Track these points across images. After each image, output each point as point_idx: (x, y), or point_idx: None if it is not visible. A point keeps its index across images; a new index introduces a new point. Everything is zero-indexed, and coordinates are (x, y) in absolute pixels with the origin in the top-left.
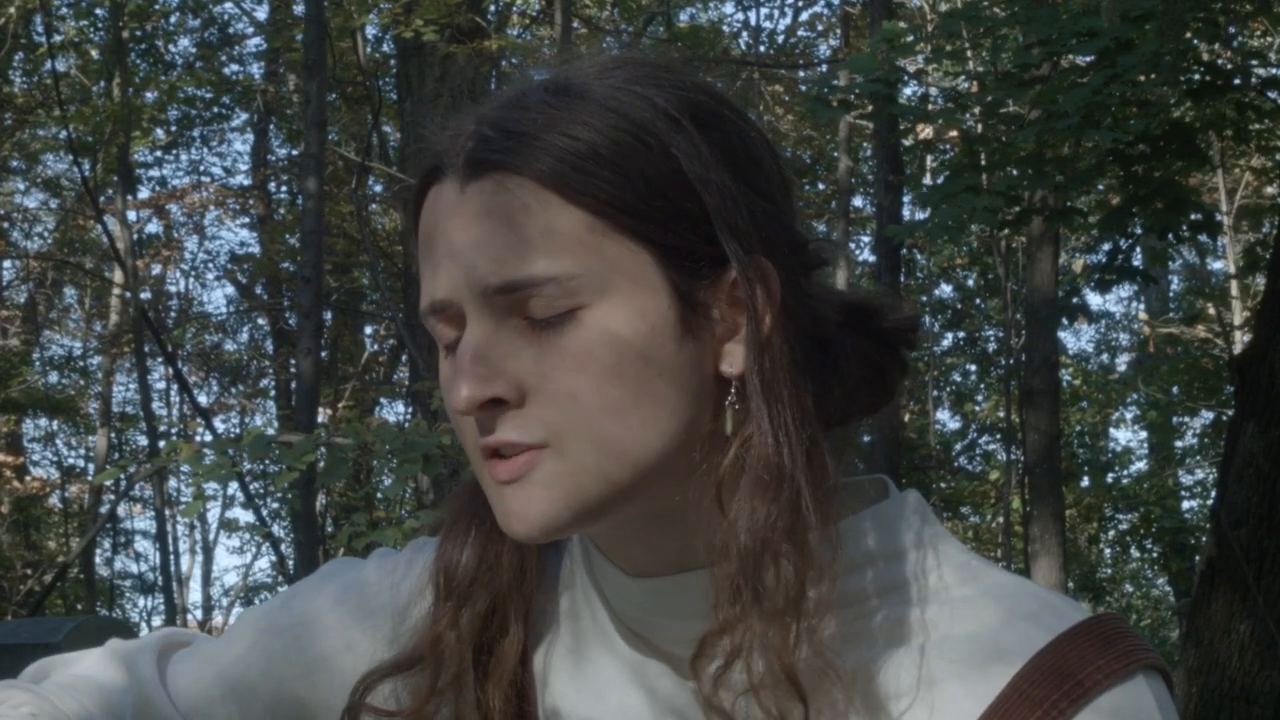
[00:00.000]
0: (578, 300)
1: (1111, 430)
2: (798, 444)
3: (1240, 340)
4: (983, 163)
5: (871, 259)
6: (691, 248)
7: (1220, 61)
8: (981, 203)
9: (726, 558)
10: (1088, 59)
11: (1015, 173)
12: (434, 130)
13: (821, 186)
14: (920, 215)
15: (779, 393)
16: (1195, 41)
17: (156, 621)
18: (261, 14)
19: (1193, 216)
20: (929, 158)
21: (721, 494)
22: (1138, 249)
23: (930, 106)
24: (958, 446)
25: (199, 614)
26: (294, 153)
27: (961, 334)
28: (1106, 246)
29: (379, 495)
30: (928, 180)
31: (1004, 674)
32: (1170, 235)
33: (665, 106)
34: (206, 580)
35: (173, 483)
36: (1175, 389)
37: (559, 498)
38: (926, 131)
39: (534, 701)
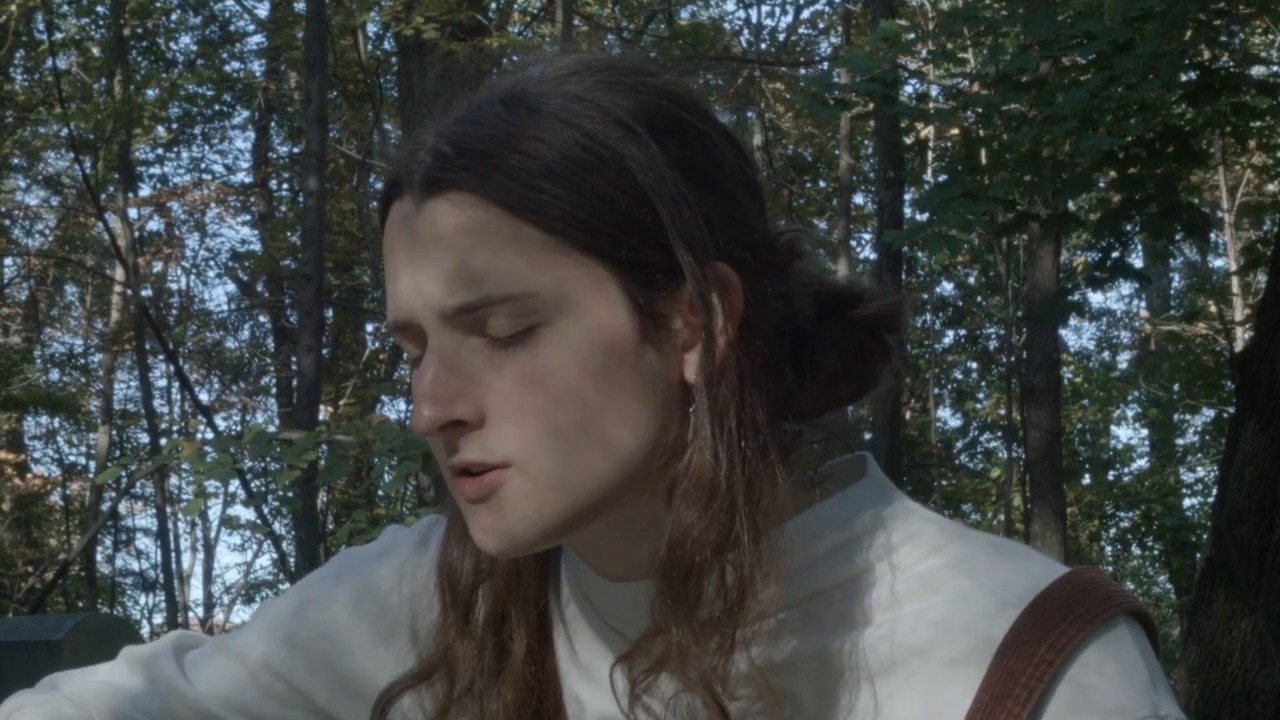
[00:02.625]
0: (535, 319)
1: (1113, 428)
2: (738, 457)
3: (1241, 338)
4: (983, 160)
5: (873, 256)
6: (648, 260)
7: (1222, 59)
8: (980, 209)
9: (656, 568)
10: (1087, 57)
11: (1014, 173)
12: (400, 143)
13: (823, 184)
14: (920, 216)
15: (724, 405)
16: (1195, 44)
17: (158, 619)
18: (263, 11)
19: (1187, 220)
20: (929, 154)
21: (671, 501)
22: (1138, 247)
23: (930, 104)
24: (959, 444)
25: (200, 611)
26: (295, 150)
27: (963, 331)
28: (1104, 244)
29: (379, 493)
30: (929, 177)
31: (978, 651)
32: (1164, 237)
33: (620, 115)
34: (208, 578)
35: (174, 480)
36: (1176, 386)
37: (526, 515)
38: (927, 131)
39: (555, 697)
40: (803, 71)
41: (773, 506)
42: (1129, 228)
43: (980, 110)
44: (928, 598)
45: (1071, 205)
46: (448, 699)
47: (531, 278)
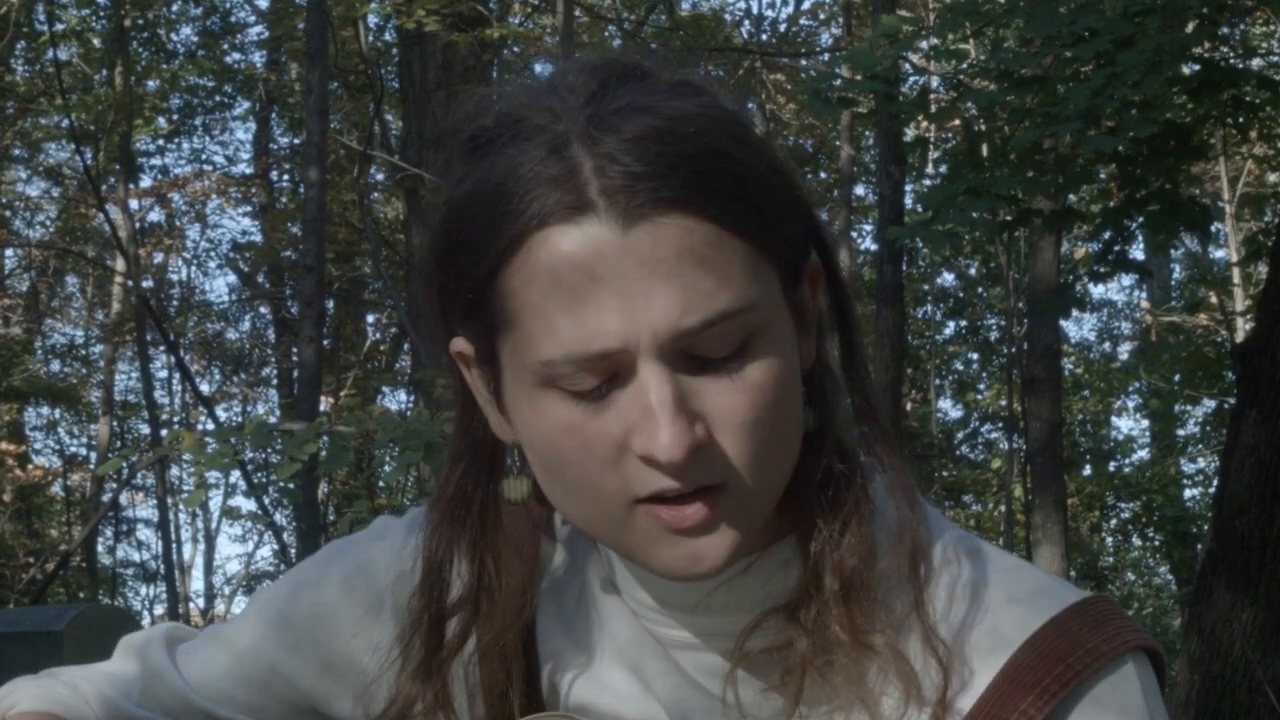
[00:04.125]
0: (750, 333)
1: (1113, 419)
2: (884, 425)
3: (1242, 328)
4: (984, 154)
5: (873, 247)
6: (794, 262)
7: (1223, 50)
8: (983, 205)
9: (844, 552)
10: (1090, 55)
11: (1016, 169)
12: (487, 157)
13: (824, 175)
14: (921, 209)
15: (863, 385)
16: (1197, 39)
17: (159, 610)
18: (263, 2)
19: (1188, 217)
20: (931, 148)
21: (822, 486)
22: (1139, 239)
23: (932, 96)
24: (960, 435)
25: (201, 603)
26: (296, 141)
27: (963, 322)
28: (1106, 236)
29: (380, 483)
30: (930, 170)
31: (1000, 657)
32: (1166, 235)
33: (743, 119)
34: (209, 569)
35: (175, 471)
36: (1177, 377)
37: (737, 534)
38: (927, 125)
39: (540, 680)
40: (803, 63)
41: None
42: (1131, 224)
43: (980, 110)
44: (956, 606)
45: (1073, 196)
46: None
47: (751, 291)
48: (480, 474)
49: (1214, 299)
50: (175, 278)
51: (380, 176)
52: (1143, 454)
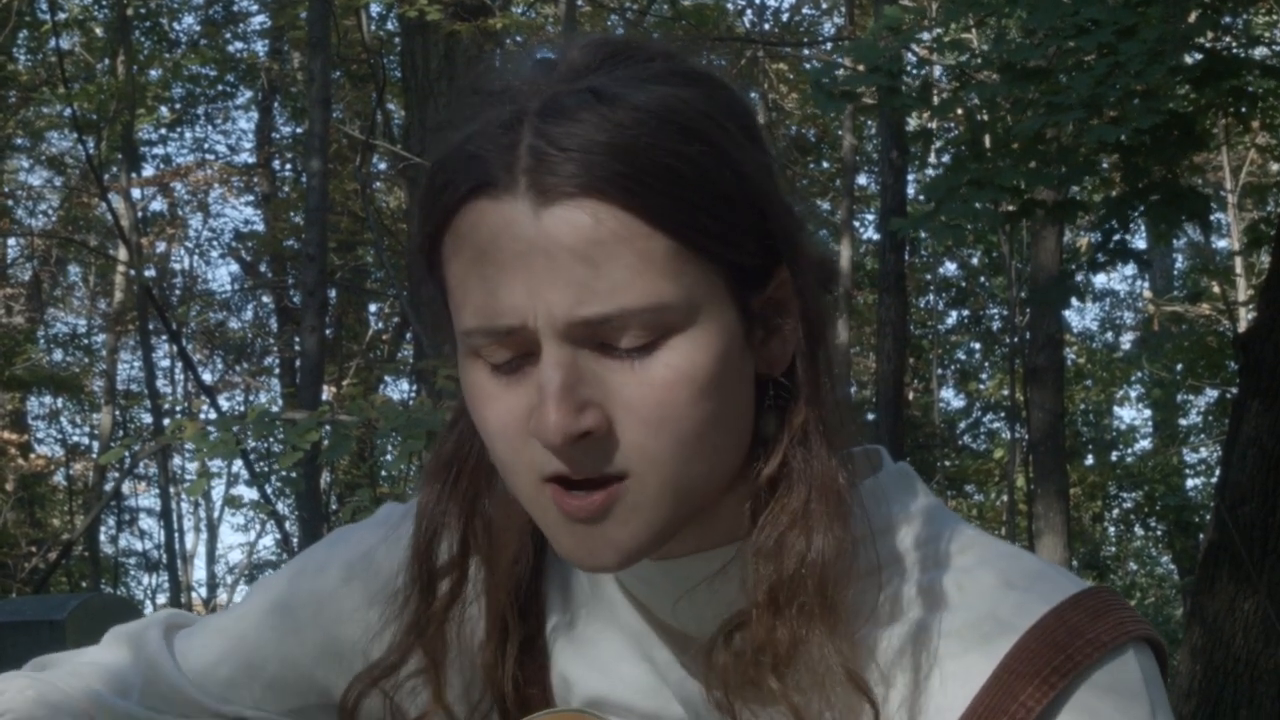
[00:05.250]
0: (665, 328)
1: (1115, 408)
2: (842, 442)
3: (1244, 318)
4: (987, 144)
5: (876, 237)
6: (749, 261)
7: (1226, 40)
8: (986, 196)
9: (774, 560)
10: (1092, 46)
11: (1019, 160)
12: (452, 130)
13: (826, 165)
14: (924, 199)
15: (830, 391)
16: (1200, 29)
17: (161, 599)
18: None
19: (1190, 208)
20: (933, 138)
21: (760, 492)
22: (1141, 228)
23: (934, 86)
24: (962, 425)
25: (203, 591)
26: (298, 130)
27: (966, 312)
28: (1107, 225)
29: (383, 472)
30: (933, 159)
31: (1001, 647)
32: (1168, 226)
33: (714, 113)
34: (211, 558)
35: (177, 460)
36: (1179, 367)
37: (642, 528)
38: (930, 116)
39: (541, 676)
40: (806, 52)
41: (849, 493)
42: (1132, 215)
43: (985, 98)
44: (958, 597)
45: (1075, 187)
46: (432, 681)
47: (665, 289)
48: (474, 435)
49: (1216, 289)
50: (178, 267)
51: (383, 166)
52: (1145, 444)
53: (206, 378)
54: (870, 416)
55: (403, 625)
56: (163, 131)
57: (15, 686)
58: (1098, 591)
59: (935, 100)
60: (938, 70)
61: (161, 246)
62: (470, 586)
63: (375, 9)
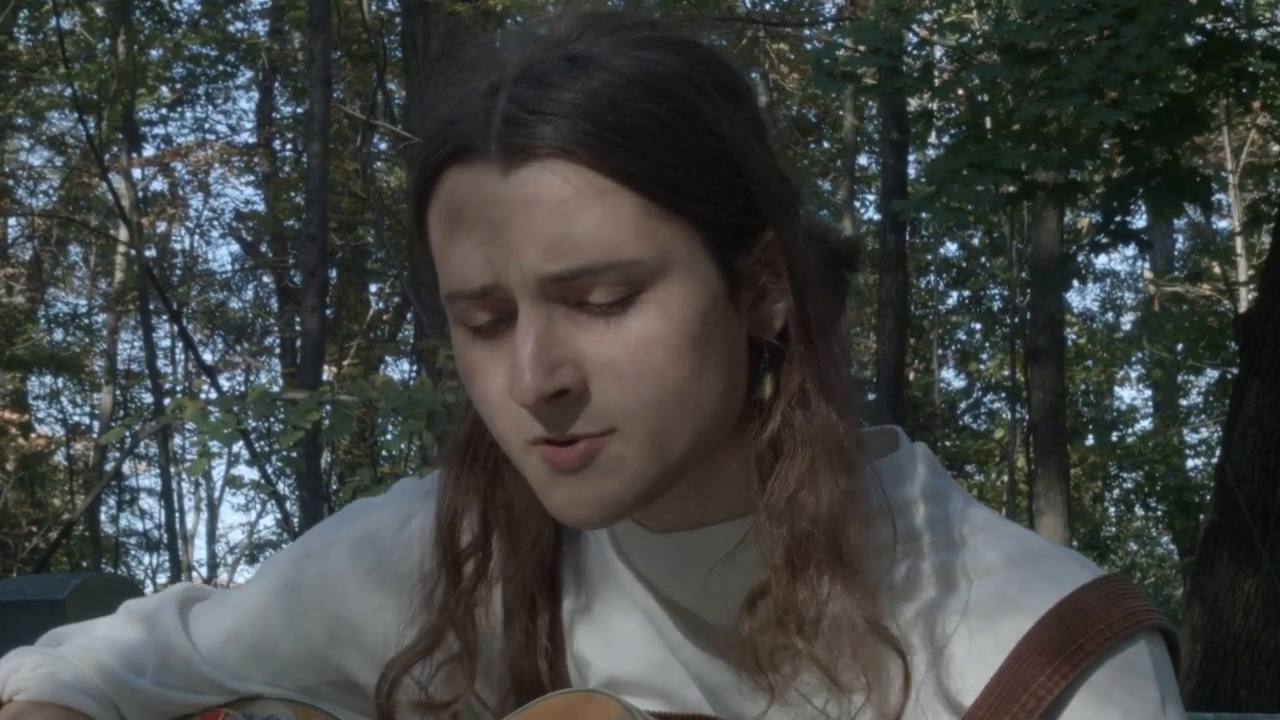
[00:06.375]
0: (637, 286)
1: (1116, 389)
2: (843, 400)
3: (1245, 298)
4: (987, 126)
5: (876, 217)
6: (730, 221)
7: (1226, 21)
8: (988, 179)
9: (787, 521)
10: (1092, 30)
11: (1020, 143)
12: (439, 104)
13: (827, 145)
14: (924, 181)
15: (826, 351)
16: (1201, 10)
17: (161, 579)
18: None
19: (1190, 192)
20: (934, 120)
21: (763, 456)
22: (1141, 210)
23: (935, 68)
24: (962, 405)
25: (204, 571)
26: (299, 110)
27: (966, 292)
28: (1108, 206)
29: (384, 452)
30: (934, 140)
31: (1015, 632)
32: (1168, 210)
33: (692, 76)
34: (211, 537)
35: (178, 440)
36: (1180, 347)
37: (624, 483)
38: (931, 97)
39: (558, 656)
40: (806, 32)
41: (855, 450)
42: (1133, 199)
43: (986, 80)
44: (973, 579)
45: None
46: (465, 665)
47: (634, 245)
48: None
49: (1217, 269)
50: (178, 247)
51: (383, 146)
52: (1145, 424)
53: (207, 358)
54: (871, 397)
55: (433, 609)
56: (163, 111)
57: (29, 664)
58: (1111, 579)
59: (936, 82)
60: (939, 52)
61: (162, 226)
62: (493, 567)
63: None
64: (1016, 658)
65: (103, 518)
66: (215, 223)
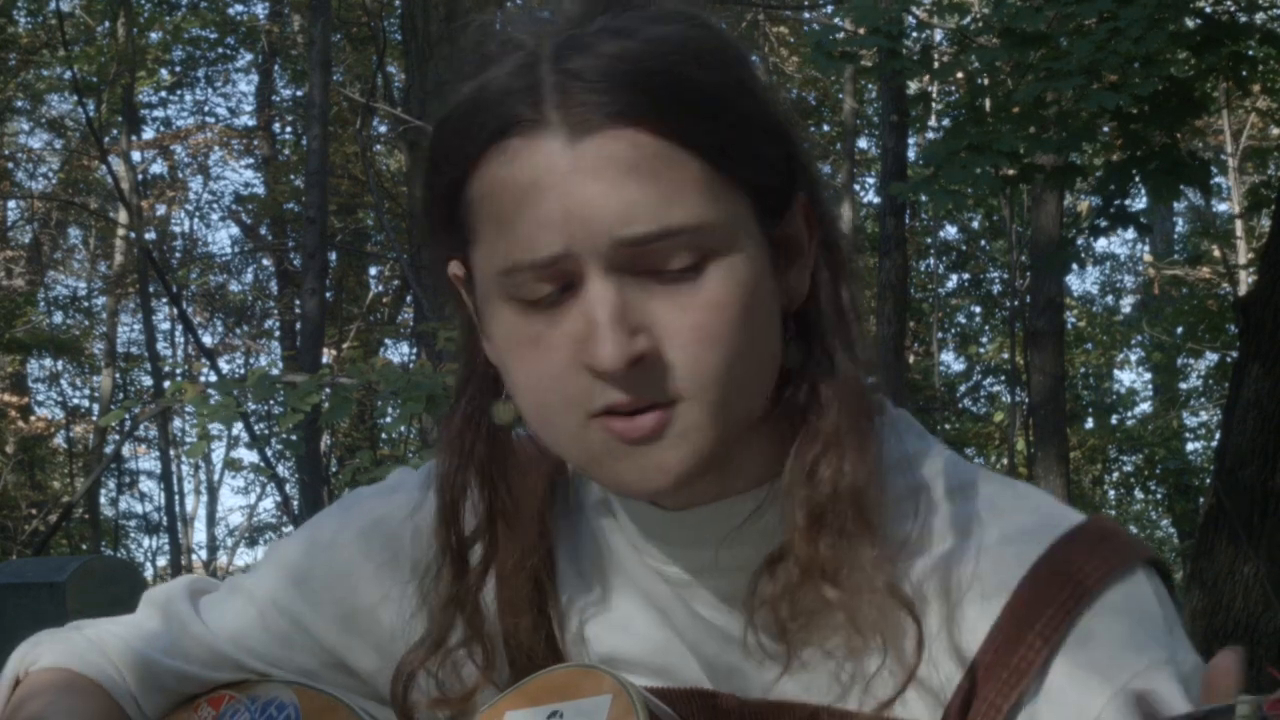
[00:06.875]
0: (706, 251)
1: (1116, 372)
2: (866, 364)
3: (1245, 281)
4: (987, 108)
5: (876, 200)
6: (776, 186)
7: (1226, 4)
8: (986, 161)
9: (815, 485)
10: (1092, 14)
11: (1018, 125)
12: (455, 85)
13: (826, 128)
14: (923, 164)
15: (852, 316)
16: None
17: (161, 562)
18: None
19: (1189, 176)
20: (933, 102)
21: (792, 422)
22: (1141, 192)
23: (935, 49)
24: (962, 388)
25: (204, 554)
26: (298, 93)
27: (966, 276)
28: (1108, 190)
29: (383, 435)
30: (933, 123)
31: (1010, 581)
32: (1166, 194)
33: (725, 45)
34: (211, 520)
35: (177, 423)
36: (1179, 330)
37: (695, 450)
38: (930, 80)
39: (563, 631)
40: (806, 15)
41: (877, 411)
42: (1132, 182)
43: (985, 63)
44: (963, 534)
45: (1075, 152)
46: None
47: (704, 210)
48: (484, 399)
49: (1217, 252)
50: (178, 230)
51: (383, 129)
52: (1145, 407)
53: (207, 340)
54: (869, 380)
55: (440, 599)
56: (163, 94)
57: (48, 640)
58: (1101, 518)
59: (935, 64)
60: (938, 34)
61: (162, 209)
62: (493, 553)
63: None
64: (1018, 599)
65: (102, 500)
66: (215, 206)
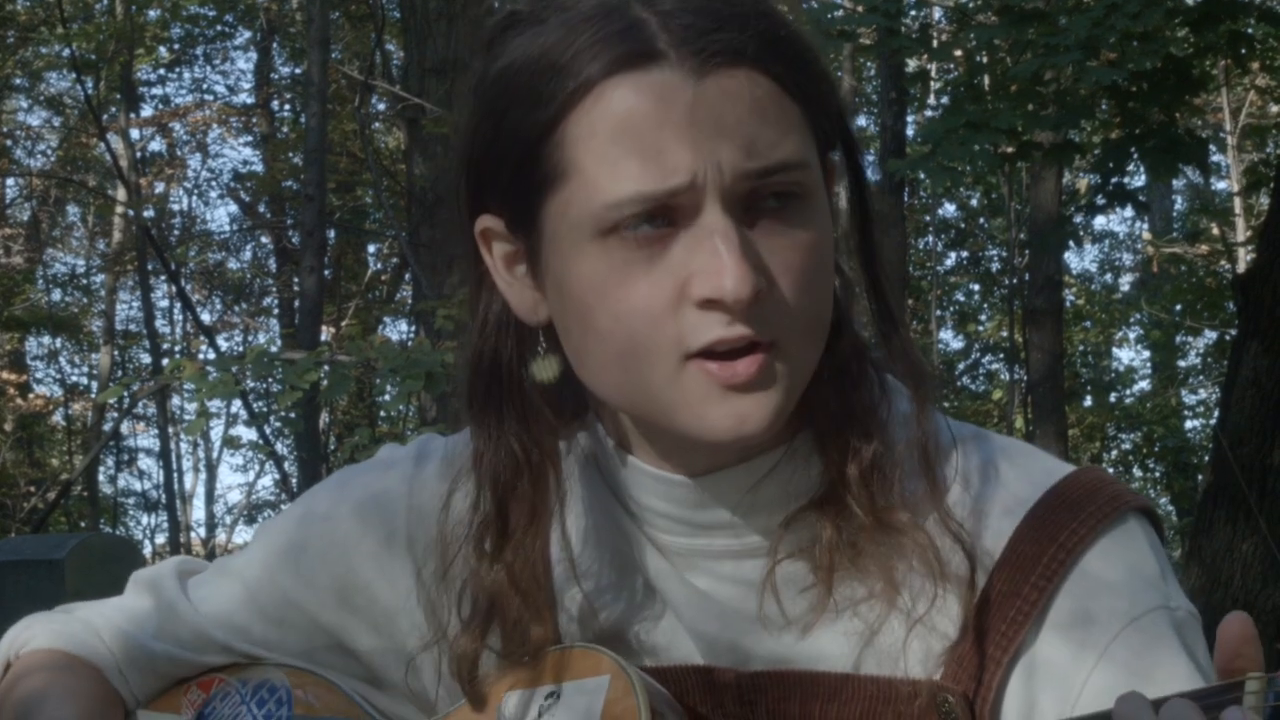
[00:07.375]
0: (806, 192)
1: (1114, 350)
2: (900, 313)
3: (1244, 259)
4: (986, 86)
5: (875, 178)
6: (831, 137)
7: None
8: (984, 139)
9: (866, 433)
10: None
11: (1016, 103)
12: (540, 30)
13: None
14: (922, 141)
15: (882, 270)
16: None
17: (160, 539)
18: None
19: (1186, 153)
20: (932, 81)
21: (841, 371)
22: (1139, 170)
23: (934, 29)
24: (961, 366)
25: (202, 532)
26: (297, 71)
27: (965, 253)
28: (1106, 167)
29: (381, 413)
30: (932, 101)
31: (994, 539)
32: (1164, 172)
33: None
34: (210, 498)
35: (176, 400)
36: (1178, 308)
37: (782, 397)
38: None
39: (558, 608)
40: None
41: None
42: (1130, 160)
43: (983, 41)
44: (958, 492)
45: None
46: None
47: (806, 151)
48: (510, 360)
49: (1215, 230)
50: (176, 207)
51: (381, 106)
52: (1144, 385)
53: (205, 318)
54: None
55: (484, 567)
56: (161, 72)
57: (41, 621)
58: (1088, 469)
59: (934, 42)
60: (937, 12)
61: (160, 187)
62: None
63: None
64: (1017, 546)
65: (101, 478)
66: (213, 183)
